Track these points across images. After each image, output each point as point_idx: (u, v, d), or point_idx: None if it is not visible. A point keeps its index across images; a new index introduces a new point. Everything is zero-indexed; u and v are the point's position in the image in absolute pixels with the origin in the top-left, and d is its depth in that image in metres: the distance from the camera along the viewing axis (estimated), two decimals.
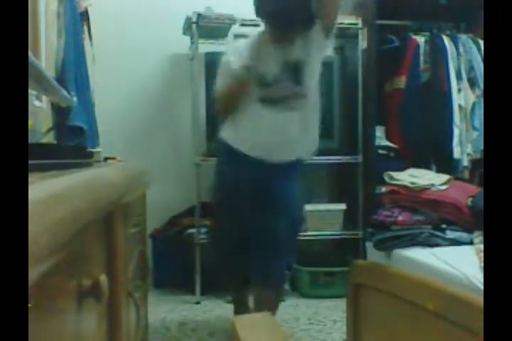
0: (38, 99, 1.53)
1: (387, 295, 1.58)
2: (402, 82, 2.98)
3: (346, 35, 3.03)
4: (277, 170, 2.04)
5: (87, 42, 2.46)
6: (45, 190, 0.39)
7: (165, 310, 2.69)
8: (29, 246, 0.31)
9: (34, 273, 0.34)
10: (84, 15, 2.45)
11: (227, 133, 2.14)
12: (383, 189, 2.08)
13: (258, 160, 2.03)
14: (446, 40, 2.96)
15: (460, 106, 2.92)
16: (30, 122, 1.27)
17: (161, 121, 3.28)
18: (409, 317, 1.49)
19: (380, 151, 2.94)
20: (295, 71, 2.04)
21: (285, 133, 2.04)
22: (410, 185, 1.92)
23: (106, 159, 1.55)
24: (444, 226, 1.84)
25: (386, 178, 2.03)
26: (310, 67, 2.05)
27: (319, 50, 2.08)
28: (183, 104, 3.15)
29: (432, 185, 1.92)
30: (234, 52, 2.12)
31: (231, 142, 2.11)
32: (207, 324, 2.52)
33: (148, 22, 3.16)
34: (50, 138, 1.83)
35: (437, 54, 2.95)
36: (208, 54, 2.96)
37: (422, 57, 2.98)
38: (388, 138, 3.01)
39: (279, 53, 2.05)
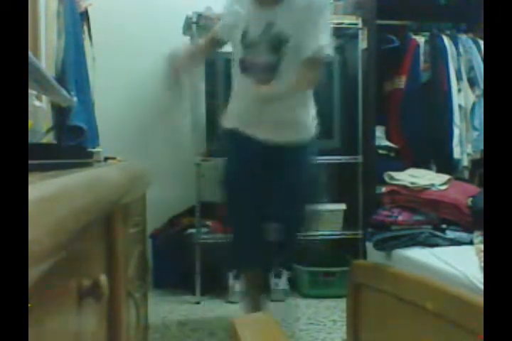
0: (38, 99, 1.53)
1: (387, 295, 1.58)
2: (402, 81, 2.98)
3: (346, 35, 3.03)
4: (277, 153, 2.00)
5: (87, 42, 2.46)
6: (45, 190, 0.39)
7: (165, 310, 2.69)
8: (29, 246, 0.31)
9: (34, 273, 0.34)
10: (84, 15, 2.46)
11: (224, 116, 2.13)
12: (383, 189, 2.07)
13: (256, 141, 2.00)
14: (446, 40, 2.96)
15: (460, 106, 2.92)
16: (30, 122, 1.27)
17: (161, 121, 3.28)
18: (409, 317, 1.49)
19: (380, 151, 2.94)
20: (276, 38, 1.94)
21: (260, 107, 1.98)
22: (410, 185, 1.92)
23: (106, 159, 1.55)
24: (444, 226, 1.84)
25: (386, 178, 2.03)
26: (295, 39, 1.92)
27: (309, 27, 1.90)
28: (183, 104, 3.15)
29: (432, 185, 1.92)
30: (228, 7, 2.12)
31: (227, 123, 2.10)
32: (207, 324, 2.52)
33: (148, 22, 3.16)
34: (50, 138, 1.83)
35: (437, 54, 2.95)
36: None
37: (422, 57, 2.98)
38: (388, 138, 3.01)
39: (263, 14, 1.96)
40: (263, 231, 2.08)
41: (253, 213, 2.07)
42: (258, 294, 2.26)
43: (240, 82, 2.06)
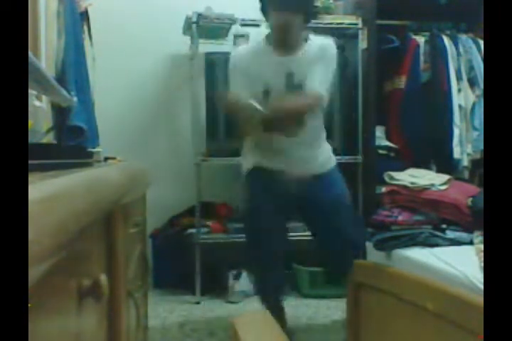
0: (38, 99, 1.53)
1: (387, 295, 1.58)
2: (402, 81, 2.98)
3: (346, 35, 3.03)
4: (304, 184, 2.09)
5: (87, 42, 2.46)
6: (45, 190, 0.39)
7: (165, 310, 2.69)
8: (29, 246, 0.31)
9: (34, 273, 0.34)
10: (84, 15, 2.45)
11: (246, 161, 2.20)
12: (383, 189, 2.07)
13: (281, 174, 2.08)
14: (446, 40, 2.95)
15: (460, 106, 2.92)
16: (30, 122, 1.27)
17: (161, 121, 3.28)
18: (409, 317, 1.49)
19: (380, 151, 2.94)
20: (298, 88, 2.01)
21: (292, 155, 2.10)
22: (410, 185, 1.92)
23: (106, 159, 1.55)
24: (444, 226, 1.83)
25: (386, 178, 2.03)
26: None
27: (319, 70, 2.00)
28: (183, 104, 3.15)
29: (432, 185, 1.92)
30: (239, 66, 2.06)
31: (248, 163, 2.17)
32: (207, 324, 2.52)
33: (148, 22, 3.16)
34: (50, 138, 1.83)
35: (437, 54, 2.95)
36: (208, 54, 2.96)
37: (422, 57, 2.97)
38: (388, 138, 3.01)
39: (281, 64, 2.01)
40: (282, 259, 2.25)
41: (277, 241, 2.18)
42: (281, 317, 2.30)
43: (264, 137, 2.07)
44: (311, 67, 1.98)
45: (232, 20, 2.88)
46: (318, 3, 2.27)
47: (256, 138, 2.14)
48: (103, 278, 0.59)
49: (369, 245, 1.93)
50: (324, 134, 2.23)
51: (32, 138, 1.22)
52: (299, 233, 2.94)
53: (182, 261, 2.96)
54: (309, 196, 2.13)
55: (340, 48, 3.21)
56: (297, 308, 2.75)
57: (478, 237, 1.74)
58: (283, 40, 2.02)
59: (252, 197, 2.18)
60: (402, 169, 2.15)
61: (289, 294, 2.93)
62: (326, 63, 2.00)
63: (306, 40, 2.06)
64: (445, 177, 2.01)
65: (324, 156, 2.20)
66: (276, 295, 2.36)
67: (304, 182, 2.10)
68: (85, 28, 2.47)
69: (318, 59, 1.99)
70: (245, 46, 2.29)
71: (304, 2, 2.01)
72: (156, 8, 3.18)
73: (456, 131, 2.90)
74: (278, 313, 2.21)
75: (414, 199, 1.90)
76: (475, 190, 2.00)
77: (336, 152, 2.83)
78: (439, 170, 2.59)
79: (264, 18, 2.11)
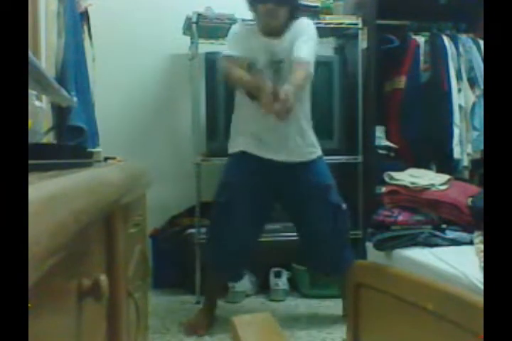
0: (38, 99, 1.53)
1: (387, 295, 1.58)
2: (402, 82, 2.98)
3: (346, 35, 3.03)
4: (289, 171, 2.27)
5: (87, 42, 2.46)
6: (45, 191, 0.39)
7: (165, 310, 2.69)
8: (29, 246, 0.31)
9: (34, 273, 0.34)
10: (84, 15, 2.45)
11: (232, 140, 2.38)
12: (383, 189, 2.07)
13: (267, 161, 2.26)
14: (446, 40, 2.95)
15: (460, 106, 2.92)
16: (30, 122, 1.27)
17: (161, 121, 3.28)
18: (409, 317, 1.49)
19: (380, 151, 2.94)
20: (277, 64, 2.28)
21: (278, 141, 2.27)
22: (410, 185, 1.92)
23: (106, 159, 1.55)
24: (444, 226, 1.83)
25: (386, 178, 2.03)
26: (288, 59, 2.24)
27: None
28: (183, 104, 3.15)
29: (432, 185, 1.92)
30: (240, 35, 2.38)
31: (234, 147, 2.34)
32: None
33: (148, 22, 3.16)
34: (50, 138, 1.83)
35: (437, 54, 2.95)
36: (208, 54, 2.96)
37: (422, 57, 2.97)
38: (388, 138, 3.01)
39: (267, 44, 2.30)
40: (252, 243, 2.38)
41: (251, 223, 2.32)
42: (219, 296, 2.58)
43: (249, 107, 2.28)
44: (291, 43, 2.25)
45: (232, 20, 2.87)
46: None
47: (244, 121, 2.32)
48: (103, 278, 0.59)
49: (369, 245, 1.93)
50: (310, 123, 2.37)
51: (32, 138, 1.22)
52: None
53: (182, 261, 2.96)
54: (290, 184, 2.28)
55: (340, 48, 3.22)
56: (297, 308, 2.75)
57: (478, 237, 1.74)
58: (268, 28, 2.32)
59: (231, 178, 2.32)
60: (402, 169, 2.15)
61: (288, 294, 2.94)
62: (301, 34, 2.26)
63: (289, 26, 2.33)
64: (445, 177, 2.02)
65: (308, 144, 2.34)
66: (231, 273, 2.52)
67: (287, 170, 2.27)
68: (85, 28, 2.47)
69: (297, 34, 2.27)
70: (244, 24, 2.52)
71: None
72: (156, 8, 3.18)
73: (456, 131, 2.90)
74: (216, 292, 2.50)
75: (414, 199, 1.91)
76: (475, 190, 2.00)
77: (336, 152, 2.83)
78: (439, 170, 2.59)
79: (251, 10, 2.38)
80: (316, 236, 2.34)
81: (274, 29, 2.32)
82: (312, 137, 2.37)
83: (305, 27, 2.31)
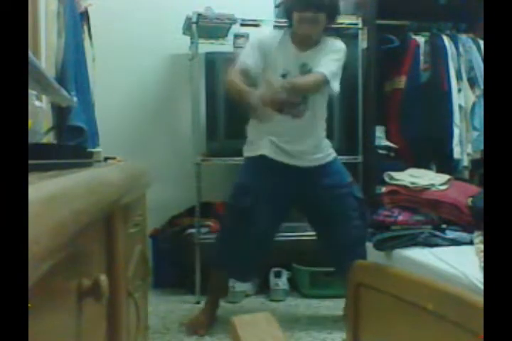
0: (38, 99, 1.53)
1: (387, 295, 1.58)
2: (402, 82, 2.98)
3: (346, 35, 3.03)
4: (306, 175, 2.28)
5: (87, 42, 2.46)
6: (45, 191, 0.39)
7: (165, 310, 2.69)
8: (29, 246, 0.31)
9: (34, 273, 0.34)
10: (84, 15, 2.45)
11: (250, 146, 2.37)
12: (383, 189, 2.07)
13: (287, 165, 2.28)
14: (446, 40, 2.95)
15: (460, 106, 2.92)
16: (30, 122, 1.27)
17: (161, 121, 3.28)
18: (409, 317, 1.49)
19: (380, 151, 2.94)
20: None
21: (293, 145, 2.28)
22: (410, 185, 1.92)
23: (106, 159, 1.55)
24: (444, 226, 1.83)
25: (386, 178, 2.03)
26: None
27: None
28: (183, 104, 3.15)
29: (432, 185, 1.92)
30: (261, 44, 2.28)
31: (252, 151, 2.34)
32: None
33: (148, 22, 3.16)
34: (50, 138, 1.83)
35: (437, 54, 2.94)
36: (208, 54, 2.96)
37: (422, 57, 2.97)
38: (388, 138, 3.01)
39: (298, 56, 2.28)
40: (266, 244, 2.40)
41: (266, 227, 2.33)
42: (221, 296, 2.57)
43: (271, 116, 2.22)
44: (321, 59, 2.25)
45: (232, 20, 2.87)
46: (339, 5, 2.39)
47: (259, 125, 2.27)
48: (103, 278, 0.59)
49: (369, 245, 1.93)
50: (325, 126, 2.39)
51: (32, 138, 1.22)
52: (299, 233, 2.94)
53: (182, 261, 2.96)
54: (311, 187, 2.28)
55: None
56: (297, 308, 2.75)
57: (478, 237, 1.74)
58: (302, 37, 2.27)
59: (252, 183, 2.30)
60: (402, 169, 2.15)
61: (288, 294, 2.94)
62: (333, 52, 2.28)
63: (320, 39, 2.31)
64: (445, 177, 2.01)
65: (324, 148, 2.36)
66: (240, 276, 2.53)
67: (308, 174, 2.28)
68: (85, 28, 2.47)
69: (329, 51, 2.28)
70: (271, 32, 2.50)
71: (326, 3, 2.22)
72: (156, 8, 3.18)
73: (456, 131, 2.90)
74: (219, 293, 2.51)
75: (414, 199, 1.90)
76: (475, 190, 2.00)
77: (336, 152, 2.83)
78: (439, 170, 2.59)
79: (286, 18, 2.34)
80: (344, 237, 2.33)
81: (308, 39, 2.28)
82: (327, 140, 2.40)
83: (339, 48, 2.31)
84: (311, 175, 2.29)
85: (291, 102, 2.19)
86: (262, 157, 2.28)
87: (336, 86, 2.25)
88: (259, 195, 2.26)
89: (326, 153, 2.36)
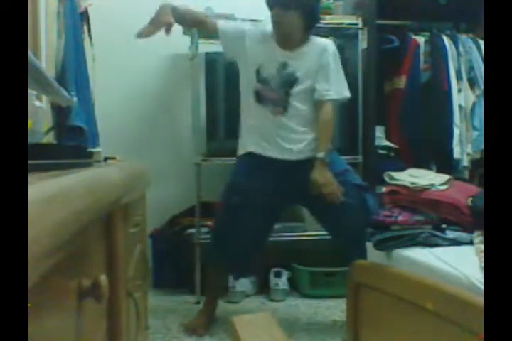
0: (38, 99, 1.53)
1: (387, 295, 1.58)
2: (402, 82, 2.98)
3: (346, 35, 3.03)
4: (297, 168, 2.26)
5: (87, 42, 2.46)
6: (45, 191, 0.39)
7: (165, 310, 2.69)
8: (29, 246, 0.31)
9: (34, 273, 0.34)
10: (84, 15, 2.45)
11: (241, 142, 2.38)
12: (383, 189, 2.07)
13: (276, 160, 2.27)
14: (446, 40, 2.95)
15: (460, 106, 2.92)
16: (30, 122, 1.27)
17: (161, 120, 3.28)
18: (409, 317, 1.49)
19: (380, 151, 2.94)
20: (287, 78, 2.25)
21: (283, 140, 2.28)
22: (410, 185, 1.92)
23: (106, 159, 1.55)
24: (444, 226, 1.83)
25: (386, 178, 2.03)
26: (306, 83, 2.25)
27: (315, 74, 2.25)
28: (183, 104, 3.15)
29: (432, 185, 1.92)
30: (250, 33, 2.33)
31: (243, 149, 2.34)
32: None
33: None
34: (50, 138, 1.83)
35: (437, 54, 2.94)
36: (208, 54, 2.96)
37: (422, 57, 2.97)
38: (388, 138, 3.00)
39: (280, 54, 2.27)
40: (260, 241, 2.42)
41: (260, 223, 2.35)
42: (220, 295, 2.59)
43: (255, 110, 2.30)
44: (307, 62, 2.24)
45: (232, 20, 2.87)
46: (319, 4, 2.35)
47: (249, 123, 2.32)
48: (103, 278, 0.59)
49: (369, 245, 1.92)
50: (313, 122, 2.34)
51: (32, 138, 1.22)
52: (299, 233, 2.95)
53: (182, 261, 2.96)
54: (305, 180, 2.24)
55: (340, 48, 3.22)
56: (297, 308, 2.75)
57: (478, 237, 1.74)
58: (280, 36, 2.25)
59: (240, 180, 2.32)
60: (402, 169, 2.15)
61: (288, 294, 2.94)
62: (331, 60, 2.26)
63: (306, 40, 2.27)
64: (445, 177, 2.01)
65: (313, 142, 2.31)
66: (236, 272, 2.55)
67: (294, 167, 2.27)
68: (85, 28, 2.47)
69: (321, 56, 2.25)
70: (260, 27, 2.46)
71: (294, 1, 2.17)
72: (156, 8, 3.17)
73: (456, 131, 2.89)
74: (217, 292, 2.51)
75: (414, 199, 1.90)
76: (475, 190, 2.00)
77: (335, 152, 2.83)
78: (439, 170, 2.59)
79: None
80: (346, 224, 2.29)
81: (288, 38, 2.25)
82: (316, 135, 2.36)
83: (326, 48, 2.27)
84: (301, 168, 2.25)
85: (275, 99, 2.24)
86: (250, 154, 2.30)
87: (345, 94, 2.30)
88: (249, 193, 2.26)
89: (316, 145, 2.31)
